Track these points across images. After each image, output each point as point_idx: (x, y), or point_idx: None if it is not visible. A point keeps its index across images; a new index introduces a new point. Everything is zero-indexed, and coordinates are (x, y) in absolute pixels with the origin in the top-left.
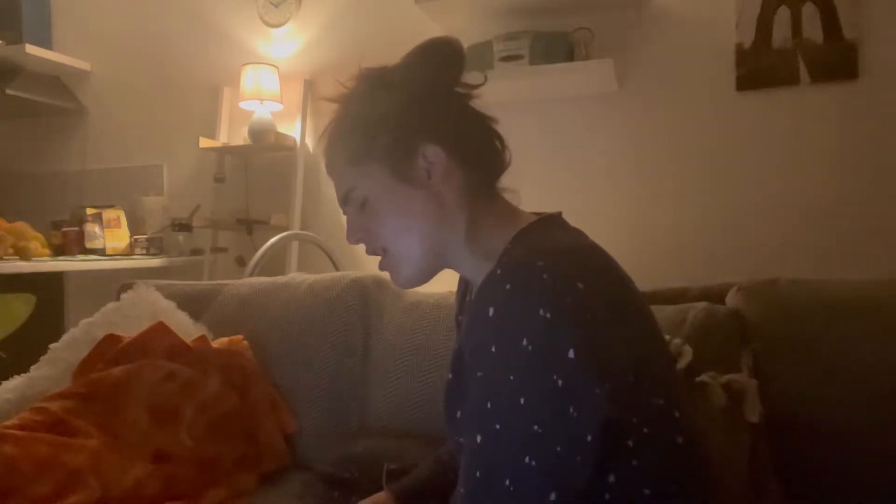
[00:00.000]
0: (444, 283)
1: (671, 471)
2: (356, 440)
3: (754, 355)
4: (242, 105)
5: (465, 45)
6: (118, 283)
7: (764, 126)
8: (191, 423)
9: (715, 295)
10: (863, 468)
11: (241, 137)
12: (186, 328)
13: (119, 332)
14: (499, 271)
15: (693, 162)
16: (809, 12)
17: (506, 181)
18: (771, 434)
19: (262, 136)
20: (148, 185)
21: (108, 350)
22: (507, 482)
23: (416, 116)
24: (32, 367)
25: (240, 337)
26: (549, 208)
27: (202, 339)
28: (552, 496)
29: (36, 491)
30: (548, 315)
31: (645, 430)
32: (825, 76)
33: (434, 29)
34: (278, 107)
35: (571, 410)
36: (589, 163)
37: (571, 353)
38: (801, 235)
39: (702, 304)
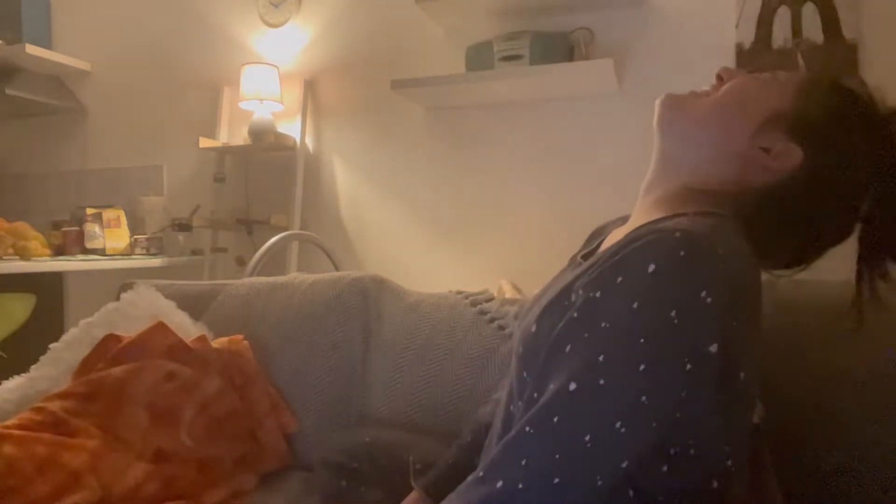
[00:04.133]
0: (445, 284)
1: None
2: (364, 430)
3: None
4: (242, 105)
5: (465, 45)
6: (118, 283)
7: None
8: (191, 423)
9: None
10: (863, 468)
11: (241, 137)
12: (186, 328)
13: (119, 332)
14: (677, 234)
15: None
16: (809, 12)
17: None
18: (771, 434)
19: (262, 136)
20: (148, 185)
21: (108, 350)
22: (587, 438)
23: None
24: (32, 367)
25: (240, 337)
26: (549, 208)
27: (202, 339)
28: (624, 464)
29: (36, 491)
30: (709, 300)
31: (692, 453)
32: None
33: (434, 29)
34: (278, 107)
35: (685, 395)
36: (589, 163)
37: (714, 348)
38: None
39: None
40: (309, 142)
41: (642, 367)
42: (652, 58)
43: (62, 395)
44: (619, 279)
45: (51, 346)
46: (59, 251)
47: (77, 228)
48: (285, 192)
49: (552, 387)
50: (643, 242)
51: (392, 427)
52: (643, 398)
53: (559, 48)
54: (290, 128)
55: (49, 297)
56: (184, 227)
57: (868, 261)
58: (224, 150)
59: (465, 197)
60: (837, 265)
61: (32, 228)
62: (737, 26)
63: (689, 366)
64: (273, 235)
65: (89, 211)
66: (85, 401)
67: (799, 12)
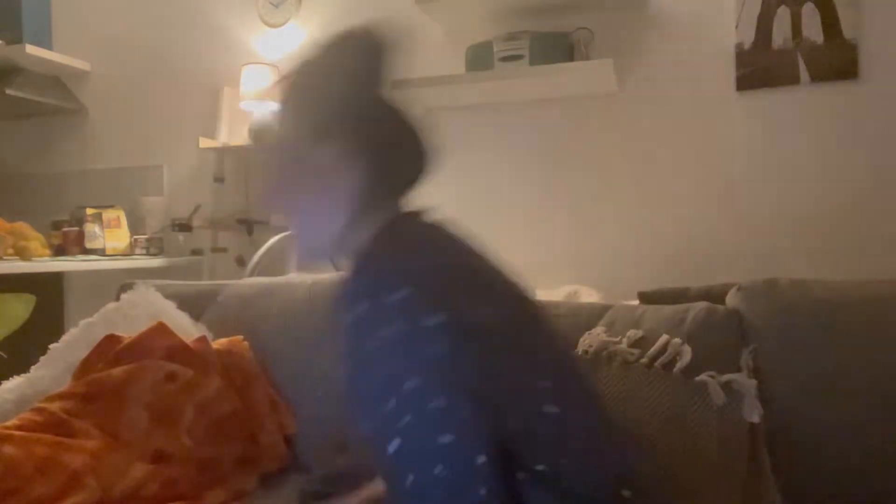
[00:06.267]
0: None
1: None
2: (341, 455)
3: (754, 355)
4: (242, 105)
5: (465, 45)
6: (118, 283)
7: (764, 126)
8: (191, 423)
9: (715, 295)
10: (862, 468)
11: (241, 137)
12: (186, 328)
13: (119, 332)
14: None
15: (693, 162)
16: (809, 12)
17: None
18: (771, 434)
19: (263, 137)
20: (148, 185)
21: (108, 350)
22: None
23: None
24: (32, 367)
25: (240, 337)
26: (548, 207)
27: (202, 339)
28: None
29: (36, 491)
30: None
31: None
32: (825, 76)
33: (434, 29)
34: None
35: None
36: (588, 163)
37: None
38: (801, 235)
39: (702, 304)
40: None
41: None
42: (652, 58)
43: (62, 396)
44: None
45: (51, 346)
46: (59, 251)
47: (77, 228)
48: None
49: None
50: None
51: None
52: None
53: (559, 48)
54: None
55: (49, 297)
56: (184, 227)
57: None
58: (224, 151)
59: (464, 197)
60: (837, 265)
61: (32, 228)
62: (737, 27)
63: None
64: (273, 235)
65: (89, 211)
66: (85, 401)
67: (799, 12)
